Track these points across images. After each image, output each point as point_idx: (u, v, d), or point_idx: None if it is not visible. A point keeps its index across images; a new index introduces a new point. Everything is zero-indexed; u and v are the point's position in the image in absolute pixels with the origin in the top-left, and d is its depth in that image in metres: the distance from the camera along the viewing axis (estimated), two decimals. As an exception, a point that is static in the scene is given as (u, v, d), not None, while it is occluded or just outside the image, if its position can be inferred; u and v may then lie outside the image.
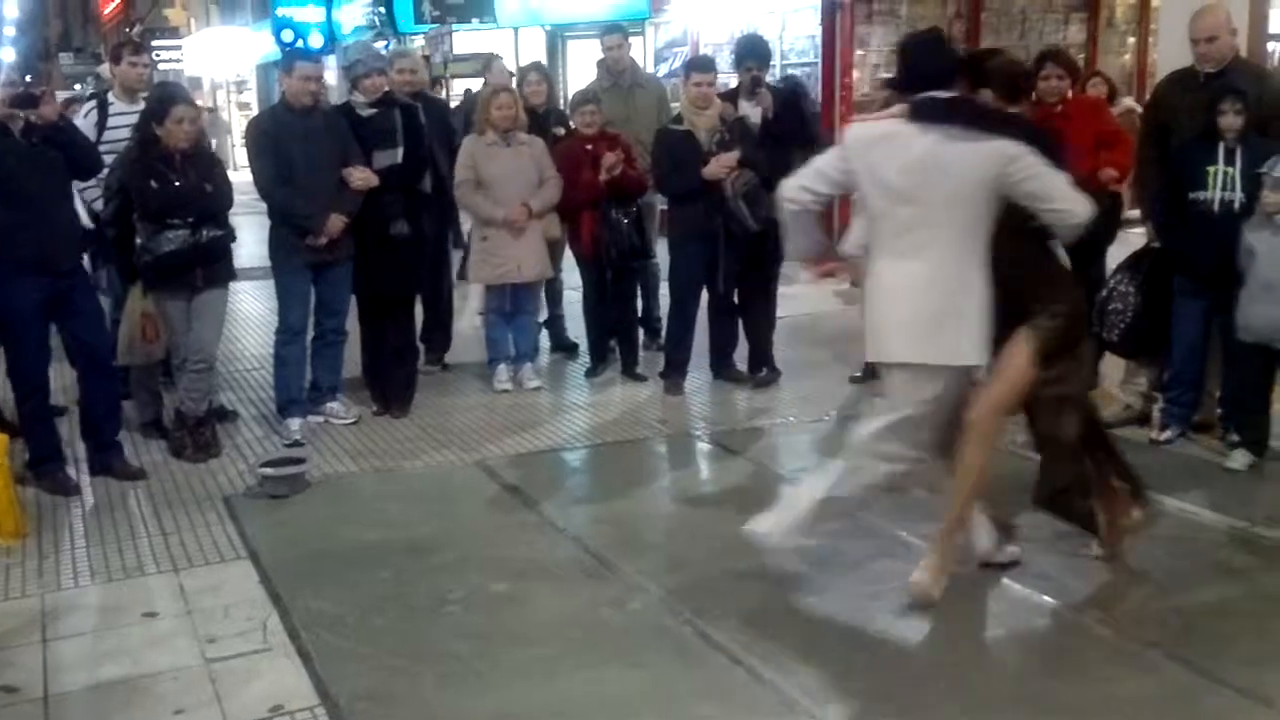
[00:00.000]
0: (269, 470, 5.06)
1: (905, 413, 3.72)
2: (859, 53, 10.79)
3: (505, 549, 4.38)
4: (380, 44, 15.64)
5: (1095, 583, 3.95)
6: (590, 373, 6.87)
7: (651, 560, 4.24)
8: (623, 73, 7.43)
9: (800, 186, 3.84)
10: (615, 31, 7.66)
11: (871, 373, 6.35)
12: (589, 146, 6.52)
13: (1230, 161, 4.86)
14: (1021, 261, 3.64)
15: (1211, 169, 4.89)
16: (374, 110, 6.04)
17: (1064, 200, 3.53)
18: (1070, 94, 5.74)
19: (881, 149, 3.65)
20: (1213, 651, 3.45)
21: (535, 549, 4.39)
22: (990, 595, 3.91)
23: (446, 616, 3.86)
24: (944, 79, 3.64)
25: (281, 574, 4.18)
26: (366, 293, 6.08)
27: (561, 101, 8.90)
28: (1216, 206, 4.89)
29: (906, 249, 3.62)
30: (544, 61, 15.99)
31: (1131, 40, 11.81)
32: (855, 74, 10.31)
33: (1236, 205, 4.83)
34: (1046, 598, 3.84)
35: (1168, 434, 5.25)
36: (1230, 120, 4.82)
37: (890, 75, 4.10)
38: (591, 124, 6.59)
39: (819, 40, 10.95)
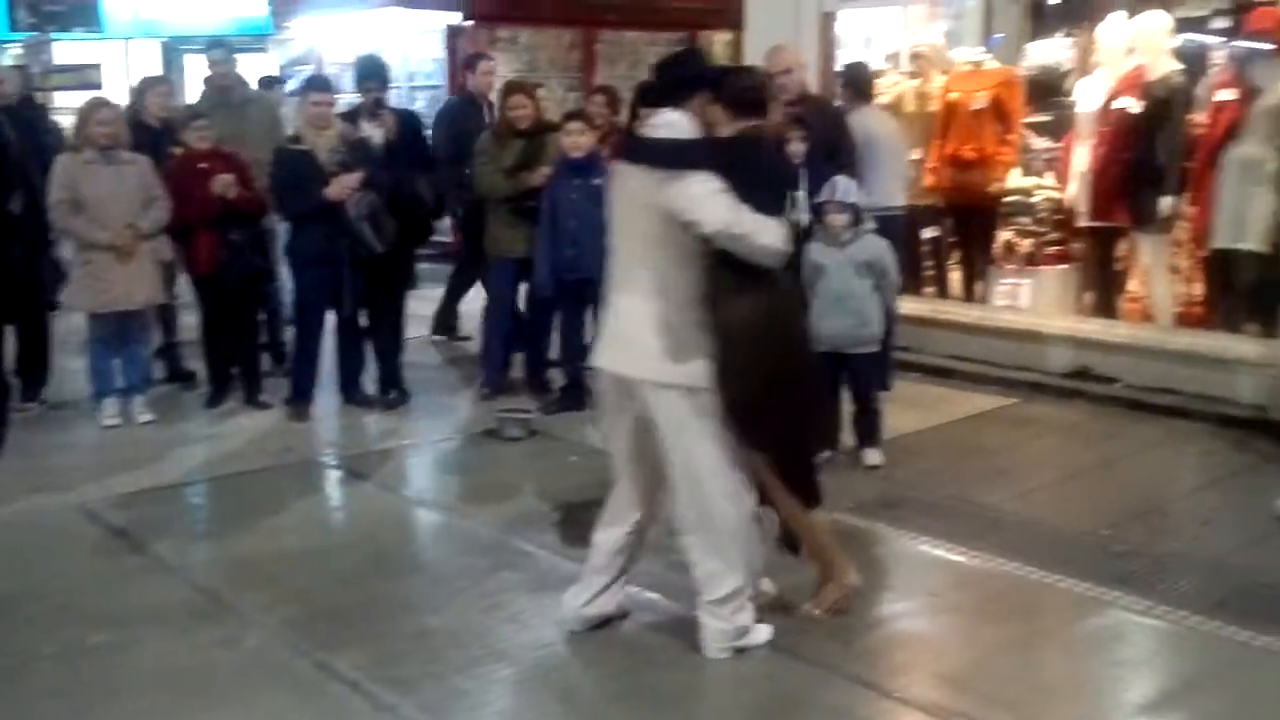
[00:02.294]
0: None
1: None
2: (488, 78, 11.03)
3: (107, 597, 4.16)
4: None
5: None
6: (210, 402, 6.62)
7: (270, 594, 4.17)
8: (230, 89, 7.27)
9: None
10: (219, 48, 7.51)
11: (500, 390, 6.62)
12: (202, 165, 6.31)
13: (798, 185, 5.42)
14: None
15: (785, 192, 5.43)
16: (-45, 123, 5.57)
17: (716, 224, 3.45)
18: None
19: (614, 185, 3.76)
20: (793, 630, 3.75)
21: (142, 594, 4.19)
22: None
23: (35, 675, 3.62)
24: (677, 95, 3.63)
25: None
26: (-54, 326, 5.58)
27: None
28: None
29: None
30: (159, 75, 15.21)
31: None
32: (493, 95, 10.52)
33: (804, 225, 5.39)
34: (652, 594, 4.06)
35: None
36: (796, 146, 5.39)
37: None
38: (205, 140, 6.40)
39: (444, 63, 11.11)
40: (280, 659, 3.73)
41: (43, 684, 3.59)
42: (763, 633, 3.73)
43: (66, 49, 14.46)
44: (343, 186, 6.08)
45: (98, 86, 11.80)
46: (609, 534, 3.80)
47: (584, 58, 11.53)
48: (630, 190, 3.64)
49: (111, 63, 14.11)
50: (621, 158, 3.71)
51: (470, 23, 11.04)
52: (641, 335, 3.55)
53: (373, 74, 7.07)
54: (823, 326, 5.27)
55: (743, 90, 3.70)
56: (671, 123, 3.58)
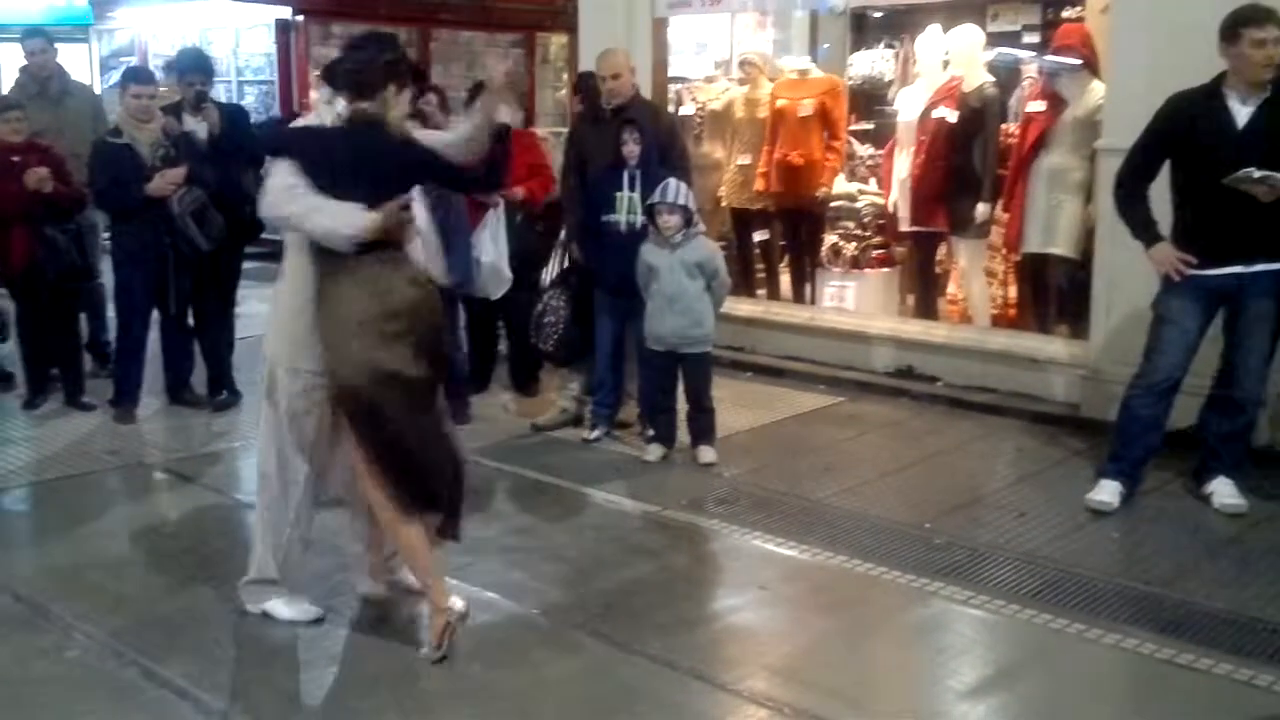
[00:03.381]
0: None
1: None
2: (315, 73, 10.84)
3: (-85, 609, 3.97)
4: None
5: (532, 573, 4.31)
6: (28, 404, 6.36)
7: (94, 602, 4.05)
8: (49, 79, 6.98)
9: None
10: (38, 36, 7.19)
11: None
12: (15, 158, 6.05)
13: (633, 187, 5.54)
14: None
15: (618, 195, 5.54)
16: None
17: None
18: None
19: None
20: (628, 626, 3.87)
21: (-46, 604, 4.02)
22: (418, 598, 3.98)
23: None
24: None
25: None
26: None
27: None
28: (624, 228, 5.54)
29: None
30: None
31: (565, 76, 12.93)
32: (314, 94, 10.32)
33: (638, 226, 5.51)
34: (491, 594, 4.11)
35: (596, 433, 5.86)
36: (630, 149, 5.50)
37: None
38: (19, 131, 6.14)
39: (275, 58, 10.85)
40: (103, 668, 3.62)
41: None
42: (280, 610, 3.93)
43: None
44: (165, 182, 5.91)
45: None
46: None
47: (419, 57, 11.44)
48: None
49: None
50: None
51: (300, 18, 10.82)
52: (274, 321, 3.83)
53: (196, 67, 6.85)
54: (656, 326, 5.43)
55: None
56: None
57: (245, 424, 6.19)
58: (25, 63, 7.11)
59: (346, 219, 3.51)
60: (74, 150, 6.48)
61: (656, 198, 5.34)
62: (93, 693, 3.48)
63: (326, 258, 3.60)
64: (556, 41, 12.71)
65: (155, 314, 6.30)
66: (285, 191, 3.57)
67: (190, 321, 6.41)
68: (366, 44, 3.72)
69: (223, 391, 6.49)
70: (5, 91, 7.75)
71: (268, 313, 3.94)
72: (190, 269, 6.09)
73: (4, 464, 5.50)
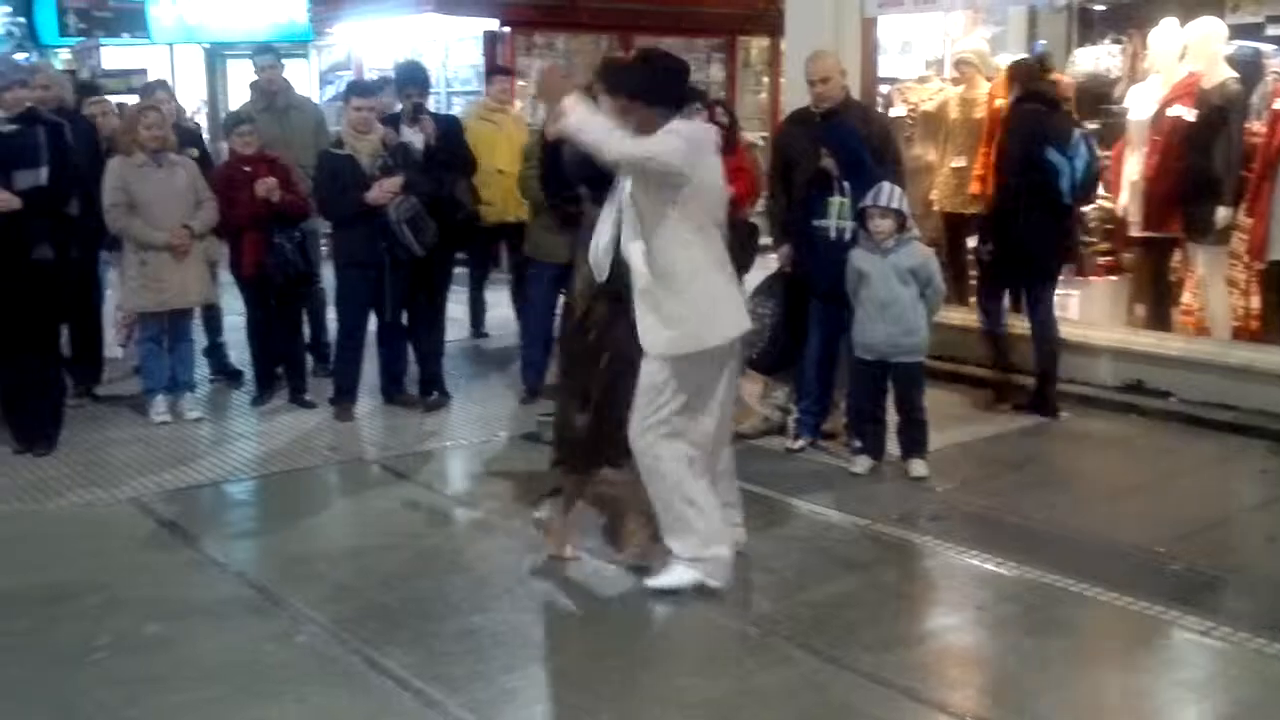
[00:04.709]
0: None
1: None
2: (520, 83, 11.08)
3: (160, 589, 4.21)
4: (20, 56, 14.44)
5: (739, 583, 4.23)
6: (256, 401, 6.69)
7: (319, 590, 4.21)
8: (276, 94, 7.36)
9: None
10: (267, 53, 7.60)
11: (539, 394, 6.63)
12: (247, 168, 6.39)
13: (844, 191, 5.41)
14: None
15: (829, 199, 5.43)
16: (14, 127, 5.66)
17: None
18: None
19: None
20: (839, 639, 3.79)
21: (194, 587, 4.25)
22: (639, 600, 4.10)
23: (92, 665, 3.67)
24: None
25: (-97, 629, 3.85)
26: (6, 321, 5.64)
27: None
28: (833, 234, 5.43)
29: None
30: (204, 80, 15.36)
31: (766, 80, 12.84)
32: (518, 103, 10.57)
33: (848, 233, 5.39)
34: (698, 602, 4.06)
35: (801, 442, 5.75)
36: (826, 161, 5.37)
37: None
38: (250, 144, 6.48)
39: (482, 69, 11.16)
40: (331, 654, 3.75)
41: (98, 673, 3.64)
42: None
43: (113, 54, 14.63)
44: (383, 190, 6.12)
45: (139, 91, 11.89)
46: None
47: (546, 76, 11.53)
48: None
49: (156, 67, 14.24)
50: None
51: (507, 29, 11.08)
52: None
53: (413, 79, 7.11)
54: (867, 334, 5.29)
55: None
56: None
57: (456, 424, 6.37)
58: (255, 78, 7.52)
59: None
60: (299, 161, 6.82)
61: (869, 201, 5.21)
62: (321, 678, 3.61)
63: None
64: (757, 45, 12.63)
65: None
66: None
67: (404, 323, 6.62)
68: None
69: (434, 392, 6.68)
70: (235, 106, 8.25)
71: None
72: (405, 274, 6.30)
73: (234, 457, 5.80)
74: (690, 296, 3.96)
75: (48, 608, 4.05)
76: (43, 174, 5.66)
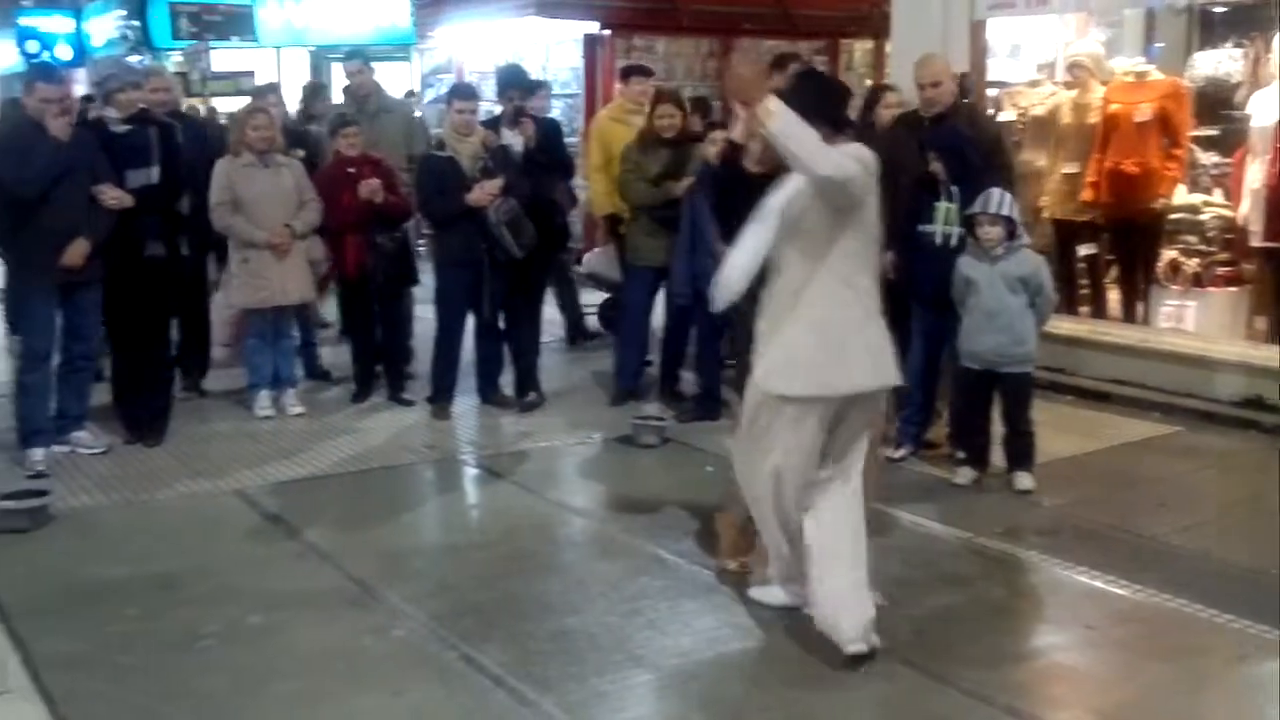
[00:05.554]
0: (8, 503, 4.78)
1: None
2: (619, 85, 11.08)
3: (264, 580, 4.29)
4: (134, 59, 14.92)
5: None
6: (355, 398, 6.78)
7: (416, 586, 4.25)
8: (367, 98, 7.48)
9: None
10: (357, 57, 7.74)
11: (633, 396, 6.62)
12: (351, 170, 6.49)
13: (951, 197, 5.30)
14: None
15: (936, 205, 5.32)
16: (128, 127, 5.82)
17: None
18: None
19: None
20: (941, 655, 3.71)
21: (296, 579, 4.32)
22: (729, 610, 4.05)
23: (200, 652, 3.75)
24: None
25: (22, 613, 3.97)
26: (118, 316, 5.82)
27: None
28: (939, 240, 5.32)
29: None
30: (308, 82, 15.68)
31: (869, 82, 12.64)
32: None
33: (954, 239, 5.27)
34: (801, 612, 3.95)
35: (902, 452, 5.64)
36: (935, 166, 5.26)
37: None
38: (354, 146, 6.57)
39: (581, 71, 11.20)
40: (427, 650, 3.78)
41: (207, 660, 3.72)
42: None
43: (222, 57, 15.03)
44: (484, 192, 6.16)
45: (250, 93, 12.19)
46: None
47: (721, 66, 11.49)
48: None
49: (263, 70, 14.60)
50: None
51: (608, 32, 11.10)
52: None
53: (515, 82, 7.17)
54: (973, 343, 5.17)
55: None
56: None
57: (550, 425, 6.38)
58: (348, 83, 7.66)
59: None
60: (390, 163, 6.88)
61: (978, 208, 5.10)
62: (417, 672, 3.63)
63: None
64: (860, 48, 12.47)
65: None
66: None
67: (500, 324, 6.65)
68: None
69: (529, 393, 6.70)
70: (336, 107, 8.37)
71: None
72: (503, 275, 6.33)
73: (334, 453, 5.89)
74: (806, 336, 3.66)
75: (158, 596, 4.15)
76: (154, 173, 5.81)
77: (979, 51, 7.19)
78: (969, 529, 4.79)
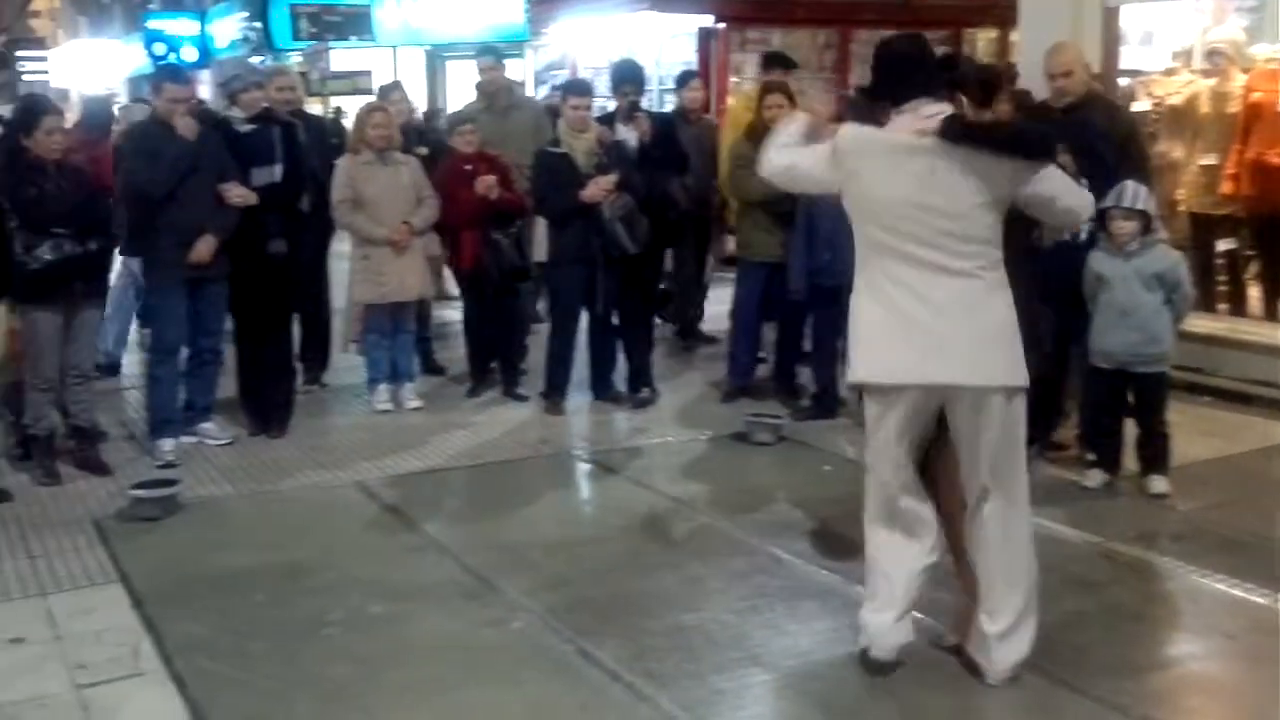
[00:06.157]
0: (140, 492, 4.94)
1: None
2: (734, 79, 11.02)
3: (384, 570, 4.35)
4: (256, 60, 15.36)
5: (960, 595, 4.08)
6: (471, 393, 6.84)
7: (532, 580, 4.26)
8: (497, 94, 7.53)
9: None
10: (488, 54, 7.79)
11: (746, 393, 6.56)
12: (468, 166, 6.55)
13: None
14: None
15: None
16: (252, 126, 5.97)
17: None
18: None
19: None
20: (1071, 662, 3.59)
21: (415, 570, 4.38)
22: (848, 613, 3.86)
23: (324, 639, 3.82)
24: (938, 87, 3.41)
25: (154, 598, 4.09)
26: (243, 311, 5.97)
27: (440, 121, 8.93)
28: (1068, 234, 5.14)
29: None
30: (425, 81, 15.98)
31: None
32: (730, 100, 10.51)
33: (1084, 234, 5.08)
34: (918, 614, 3.85)
35: (1027, 454, 5.46)
36: (1063, 158, 5.05)
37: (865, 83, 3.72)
38: (470, 143, 6.63)
39: (695, 66, 11.15)
40: (545, 643, 3.79)
41: (333, 647, 3.78)
42: None
43: (340, 56, 15.39)
44: (598, 188, 6.16)
45: (368, 92, 12.46)
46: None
47: (839, 58, 11.33)
48: (958, 177, 3.27)
49: (381, 69, 14.91)
50: (951, 139, 3.28)
51: (722, 25, 11.03)
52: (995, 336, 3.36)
53: (629, 78, 7.15)
54: (1106, 341, 4.99)
55: (985, 79, 3.68)
56: (945, 113, 3.35)
57: (663, 421, 6.36)
58: (479, 78, 7.72)
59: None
60: (516, 161, 6.93)
61: (1111, 201, 4.91)
62: (535, 665, 3.65)
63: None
64: (984, 37, 12.20)
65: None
66: None
67: (614, 320, 6.65)
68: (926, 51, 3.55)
69: (642, 389, 6.69)
70: (454, 106, 8.49)
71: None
72: (617, 270, 6.32)
73: (450, 446, 5.96)
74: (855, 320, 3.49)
75: (283, 583, 4.24)
76: (277, 171, 5.94)
77: (1112, 39, 6.93)
78: (1099, 533, 4.63)
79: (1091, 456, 5.22)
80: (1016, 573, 3.48)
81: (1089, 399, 5.25)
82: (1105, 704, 3.36)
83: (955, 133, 3.26)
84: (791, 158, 3.61)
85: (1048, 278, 5.24)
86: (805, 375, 6.57)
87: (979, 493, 3.46)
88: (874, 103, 3.52)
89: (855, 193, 3.43)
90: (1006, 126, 3.42)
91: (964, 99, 3.49)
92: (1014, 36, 7.57)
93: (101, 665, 3.60)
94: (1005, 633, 3.46)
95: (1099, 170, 5.04)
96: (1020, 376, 3.38)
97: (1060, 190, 3.44)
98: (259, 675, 3.55)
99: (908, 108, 3.35)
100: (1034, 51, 5.92)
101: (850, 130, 3.46)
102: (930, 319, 3.31)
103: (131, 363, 7.42)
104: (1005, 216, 3.39)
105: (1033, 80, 5.75)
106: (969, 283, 3.31)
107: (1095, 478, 5.14)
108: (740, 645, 3.74)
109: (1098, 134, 5.13)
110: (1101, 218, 4.95)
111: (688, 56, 11.33)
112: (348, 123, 10.31)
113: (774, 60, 7.66)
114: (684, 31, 11.38)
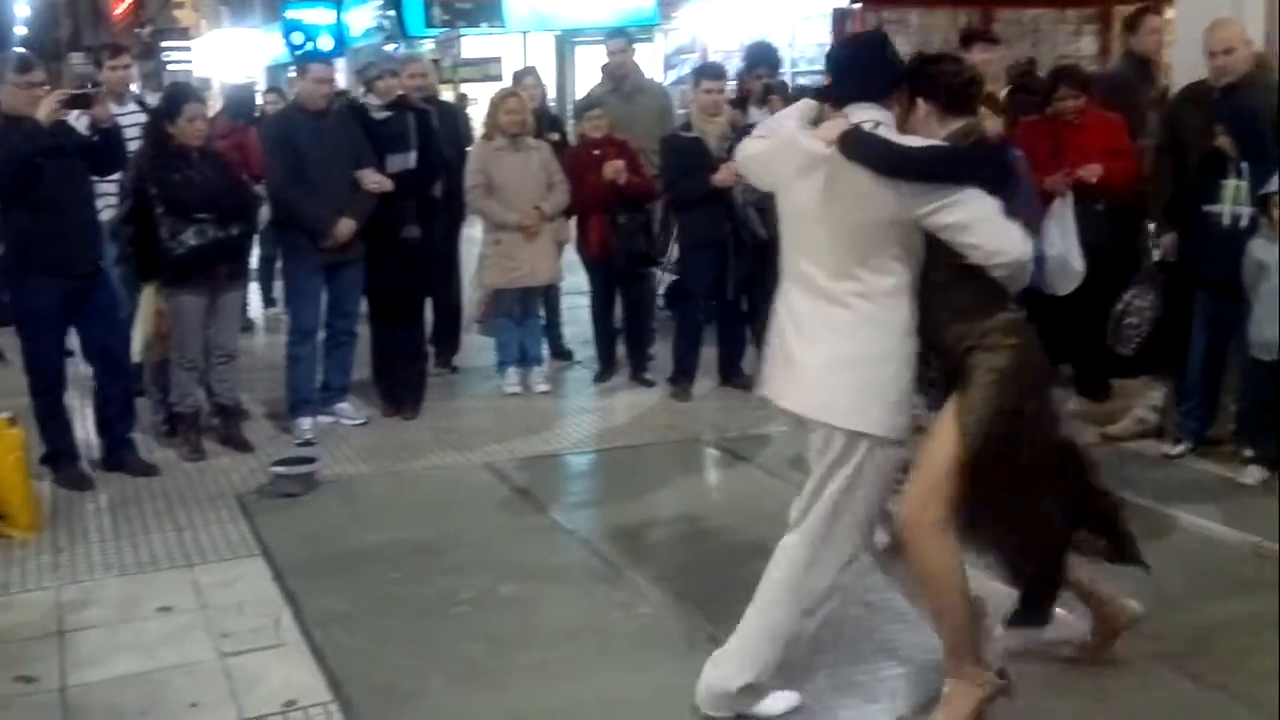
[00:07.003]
0: (281, 469, 5.07)
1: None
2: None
3: (514, 551, 4.39)
4: (390, 47, 15.68)
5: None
6: (598, 377, 6.86)
7: (660, 565, 4.25)
8: (625, 78, 7.49)
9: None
10: (618, 37, 7.76)
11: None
12: (596, 151, 6.55)
13: (1242, 175, 4.87)
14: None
15: (1224, 183, 4.91)
16: (388, 113, 6.07)
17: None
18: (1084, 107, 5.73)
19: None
20: (1225, 666, 3.45)
21: (544, 552, 4.40)
22: None
23: (456, 617, 3.87)
24: (879, 92, 3.04)
25: (293, 572, 4.20)
26: (377, 294, 6.09)
27: (568, 106, 8.96)
28: (1227, 220, 4.91)
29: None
30: (554, 66, 16.09)
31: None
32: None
33: (1244, 220, 4.84)
34: (1058, 609, 3.79)
35: (1180, 448, 5.24)
36: (1222, 140, 4.83)
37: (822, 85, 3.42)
38: (599, 128, 6.63)
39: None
40: (674, 629, 3.77)
41: (464, 625, 3.83)
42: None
43: (471, 43, 15.61)
44: (730, 173, 6.07)
45: (499, 79, 12.61)
46: None
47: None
48: (846, 193, 2.95)
49: (510, 55, 15.07)
50: (842, 152, 2.94)
51: (858, 5, 10.81)
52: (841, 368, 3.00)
53: (763, 60, 7.05)
54: (1266, 332, 4.75)
55: (959, 84, 3.07)
56: (880, 122, 2.98)
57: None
58: (606, 61, 7.71)
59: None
60: (641, 145, 6.90)
61: (1273, 186, 4.66)
62: (663, 650, 3.62)
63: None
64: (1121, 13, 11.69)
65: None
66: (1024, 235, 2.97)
67: (744, 306, 6.58)
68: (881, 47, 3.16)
69: (772, 376, 6.59)
70: (583, 92, 8.50)
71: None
72: (748, 256, 6.24)
73: (577, 430, 5.99)
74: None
75: (417, 561, 4.30)
76: (411, 158, 6.03)
77: (1275, 16, 6.55)
78: (1257, 532, 4.40)
79: (1249, 452, 4.98)
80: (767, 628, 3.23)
81: (1247, 392, 5.01)
82: (1262, 710, 3.20)
83: (847, 145, 2.92)
84: (753, 148, 3.25)
85: (1205, 265, 5.03)
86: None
87: (794, 518, 3.26)
88: (823, 104, 3.20)
89: (779, 196, 3.18)
90: (905, 145, 2.92)
91: (924, 106, 3.05)
92: (1169, 14, 7.19)
93: (244, 635, 3.71)
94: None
95: (1261, 154, 4.80)
96: (875, 425, 2.98)
97: (972, 221, 2.86)
98: (392, 651, 3.61)
99: (845, 112, 3.01)
100: (1191, 28, 5.63)
101: (784, 132, 3.15)
102: (792, 337, 3.09)
103: (264, 345, 7.65)
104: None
105: (1190, 58, 5.49)
106: (837, 310, 2.99)
107: (1253, 474, 4.91)
108: (871, 638, 3.66)
109: (1259, 115, 4.86)
110: (1264, 203, 4.72)
111: (822, 38, 11.14)
112: (472, 110, 10.47)
113: (975, 37, 7.19)
114: (818, 13, 11.19)
